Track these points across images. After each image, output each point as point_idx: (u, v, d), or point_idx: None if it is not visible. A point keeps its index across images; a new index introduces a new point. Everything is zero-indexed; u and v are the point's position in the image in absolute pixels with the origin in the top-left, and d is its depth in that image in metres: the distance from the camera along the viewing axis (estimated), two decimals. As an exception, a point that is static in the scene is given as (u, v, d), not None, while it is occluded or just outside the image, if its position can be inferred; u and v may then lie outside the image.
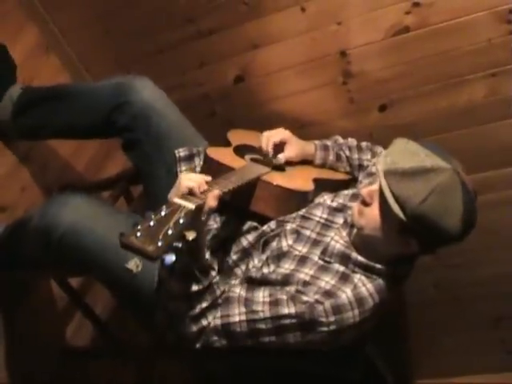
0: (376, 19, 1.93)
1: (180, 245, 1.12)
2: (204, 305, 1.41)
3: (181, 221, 1.09)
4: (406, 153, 1.34)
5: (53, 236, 1.53)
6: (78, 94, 1.88)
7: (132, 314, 1.71)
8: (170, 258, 1.15)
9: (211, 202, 1.26)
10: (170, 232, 1.05)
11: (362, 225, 1.43)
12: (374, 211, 1.39)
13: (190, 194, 1.26)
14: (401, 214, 1.30)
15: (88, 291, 2.20)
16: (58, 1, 2.15)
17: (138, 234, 1.04)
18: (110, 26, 2.16)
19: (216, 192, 1.29)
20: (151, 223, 1.06)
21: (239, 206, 1.57)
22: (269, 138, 1.71)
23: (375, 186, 1.39)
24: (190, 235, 1.17)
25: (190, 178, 1.30)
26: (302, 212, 1.58)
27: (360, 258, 1.44)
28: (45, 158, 2.18)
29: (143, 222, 1.06)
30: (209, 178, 1.36)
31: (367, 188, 1.43)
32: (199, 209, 1.20)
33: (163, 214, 1.10)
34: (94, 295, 2.20)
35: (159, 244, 1.03)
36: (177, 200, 1.17)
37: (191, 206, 1.16)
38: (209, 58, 2.16)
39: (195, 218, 1.18)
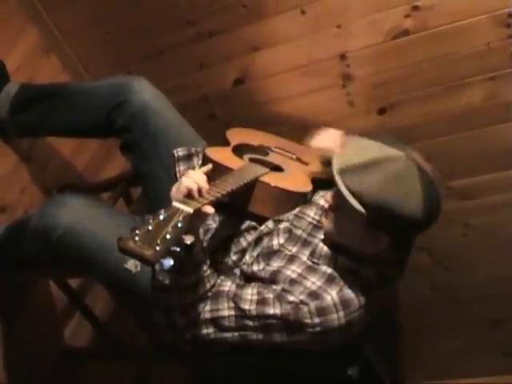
0: (375, 22, 1.93)
1: (178, 249, 1.13)
2: (194, 297, 1.42)
3: (179, 225, 1.09)
4: (357, 149, 1.35)
5: (51, 236, 1.53)
6: (76, 93, 1.88)
7: (130, 315, 1.72)
8: (168, 262, 1.15)
9: (207, 208, 1.26)
10: (168, 236, 1.05)
11: (328, 229, 1.45)
12: (338, 214, 1.41)
13: (188, 196, 1.26)
14: (360, 208, 1.30)
15: (87, 292, 2.20)
16: (59, 2, 2.15)
17: (137, 238, 1.03)
18: (110, 27, 2.16)
19: (212, 198, 1.29)
20: (149, 227, 1.06)
21: (238, 207, 1.57)
22: None
23: (334, 189, 1.39)
24: (188, 239, 1.17)
25: (192, 178, 1.30)
26: (296, 211, 1.59)
27: (346, 261, 1.45)
28: (44, 159, 2.19)
29: (141, 225, 1.06)
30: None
31: (328, 193, 1.44)
32: (197, 212, 1.20)
33: (161, 217, 1.10)
34: (93, 296, 2.21)
35: (157, 248, 1.03)
36: (175, 204, 1.17)
37: (189, 209, 1.16)
38: (209, 61, 2.16)
39: (193, 222, 1.18)
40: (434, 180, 1.33)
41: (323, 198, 1.62)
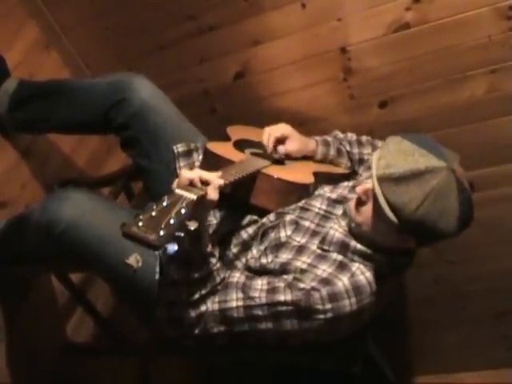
0: (376, 15, 1.93)
1: (182, 234, 1.13)
2: (204, 291, 1.42)
3: (182, 211, 1.09)
4: (399, 154, 1.32)
5: (54, 231, 1.53)
6: (75, 90, 1.88)
7: (132, 310, 1.71)
8: (173, 247, 1.15)
9: (212, 192, 1.27)
10: (171, 222, 1.05)
11: (360, 222, 1.43)
12: (370, 209, 1.40)
13: (191, 185, 1.26)
14: (394, 219, 1.30)
15: (89, 287, 2.20)
16: (59, -3, 2.16)
17: (140, 223, 1.04)
18: (110, 22, 2.16)
19: (216, 183, 1.29)
20: (153, 213, 1.07)
21: (240, 200, 1.57)
22: (270, 132, 1.72)
23: (369, 185, 1.39)
24: (192, 225, 1.17)
25: (191, 171, 1.30)
26: (302, 203, 1.58)
27: (359, 246, 1.45)
28: (45, 154, 2.19)
29: (145, 211, 1.07)
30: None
31: (362, 186, 1.43)
32: (200, 199, 1.20)
33: (165, 204, 1.10)
34: (95, 291, 2.20)
35: (161, 233, 1.03)
36: (178, 191, 1.18)
37: (193, 196, 1.16)
38: (209, 55, 2.16)
39: (197, 209, 1.18)
40: (470, 196, 1.33)
41: (329, 190, 1.63)
